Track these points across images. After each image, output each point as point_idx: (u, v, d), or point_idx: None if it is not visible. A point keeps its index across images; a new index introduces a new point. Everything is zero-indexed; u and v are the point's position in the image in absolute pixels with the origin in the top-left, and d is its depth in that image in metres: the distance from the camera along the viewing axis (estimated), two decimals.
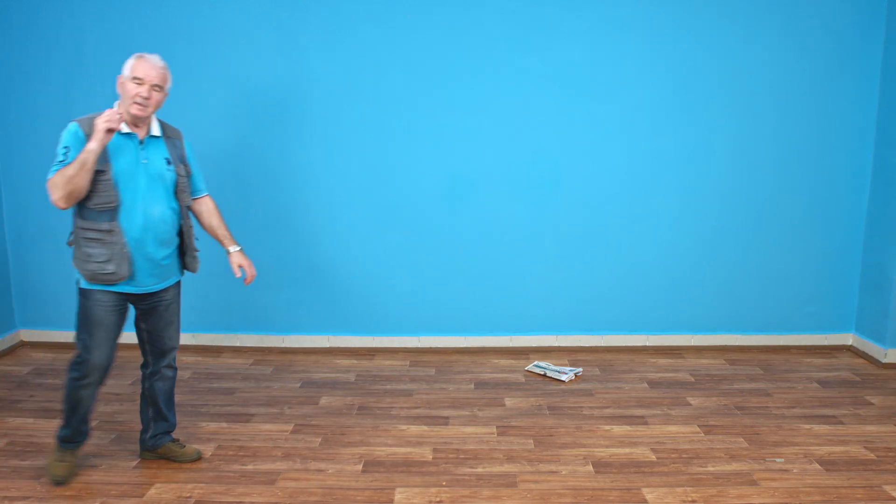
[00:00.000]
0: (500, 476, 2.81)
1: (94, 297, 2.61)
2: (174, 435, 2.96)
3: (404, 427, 3.25)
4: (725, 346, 4.40)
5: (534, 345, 4.38)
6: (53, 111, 4.07)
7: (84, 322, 2.63)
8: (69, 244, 2.69)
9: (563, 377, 3.82)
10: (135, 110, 2.55)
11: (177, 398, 3.52)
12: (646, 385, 3.79)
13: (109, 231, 2.54)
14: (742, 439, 3.14)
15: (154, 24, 3.98)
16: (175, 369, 2.91)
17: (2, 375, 3.84)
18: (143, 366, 2.88)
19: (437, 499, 2.64)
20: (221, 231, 2.93)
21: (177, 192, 2.70)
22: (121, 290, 2.63)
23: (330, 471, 2.84)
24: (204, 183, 2.90)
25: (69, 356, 2.75)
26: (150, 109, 2.58)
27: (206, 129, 4.08)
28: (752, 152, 4.21)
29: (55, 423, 3.21)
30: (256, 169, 4.15)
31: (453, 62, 4.04)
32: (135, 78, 2.54)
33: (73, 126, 2.55)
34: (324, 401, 3.55)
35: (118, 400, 3.52)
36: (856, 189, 4.25)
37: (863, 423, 3.32)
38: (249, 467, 2.86)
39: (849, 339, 4.44)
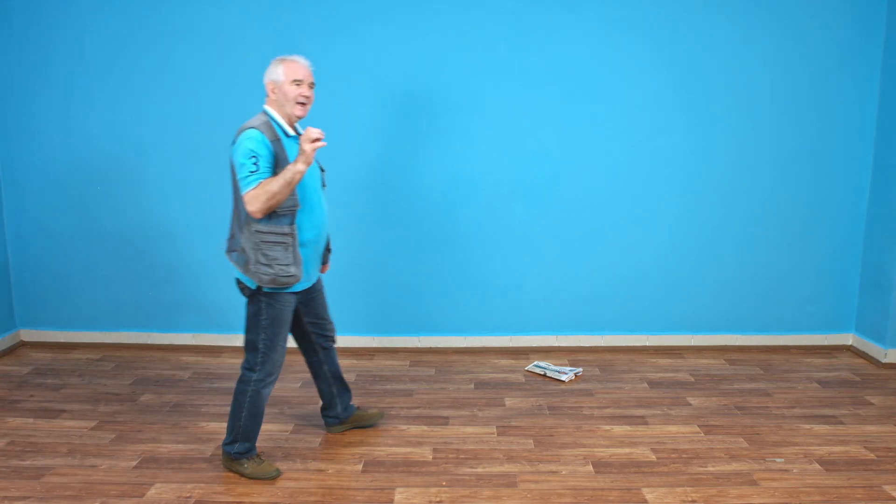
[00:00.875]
0: (500, 476, 2.81)
1: (281, 299, 2.69)
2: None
3: (404, 427, 3.25)
4: (725, 346, 4.40)
5: (534, 345, 4.38)
6: (53, 111, 4.08)
7: (269, 324, 2.69)
8: (230, 251, 2.71)
9: (563, 377, 3.82)
10: (299, 111, 2.63)
11: (177, 398, 3.54)
12: (646, 385, 3.79)
13: (290, 234, 2.60)
14: (742, 439, 3.14)
15: (154, 24, 3.99)
16: (335, 340, 3.08)
17: (2, 375, 3.84)
18: (312, 353, 3.03)
19: (437, 499, 2.64)
20: None
21: (323, 187, 2.83)
22: (296, 290, 2.74)
23: (330, 471, 2.84)
24: None
25: (245, 362, 2.75)
26: (309, 108, 2.66)
27: (206, 128, 4.09)
28: (753, 152, 4.21)
29: (55, 423, 3.22)
30: None
31: (453, 62, 4.04)
32: (294, 80, 2.60)
33: (255, 133, 2.55)
34: None
35: (118, 400, 3.52)
36: (856, 189, 4.25)
37: (863, 423, 3.32)
38: None
39: (849, 339, 4.44)
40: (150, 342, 4.34)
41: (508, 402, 3.55)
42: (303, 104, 2.63)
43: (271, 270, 2.58)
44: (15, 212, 4.22)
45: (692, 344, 4.41)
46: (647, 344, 4.40)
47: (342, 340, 4.35)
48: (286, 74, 2.60)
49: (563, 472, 2.84)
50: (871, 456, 2.98)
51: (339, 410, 3.15)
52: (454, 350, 4.31)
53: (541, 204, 4.21)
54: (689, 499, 2.64)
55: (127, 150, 4.12)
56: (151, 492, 2.66)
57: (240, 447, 2.78)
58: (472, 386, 3.77)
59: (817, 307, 4.40)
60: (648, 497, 2.65)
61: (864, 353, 4.28)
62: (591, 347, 4.39)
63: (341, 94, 4.07)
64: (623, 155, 4.17)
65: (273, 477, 2.77)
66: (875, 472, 2.84)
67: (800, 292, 4.37)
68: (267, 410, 3.40)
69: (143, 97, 4.06)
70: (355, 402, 3.44)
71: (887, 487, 2.72)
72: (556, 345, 4.40)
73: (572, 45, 4.06)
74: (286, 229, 2.59)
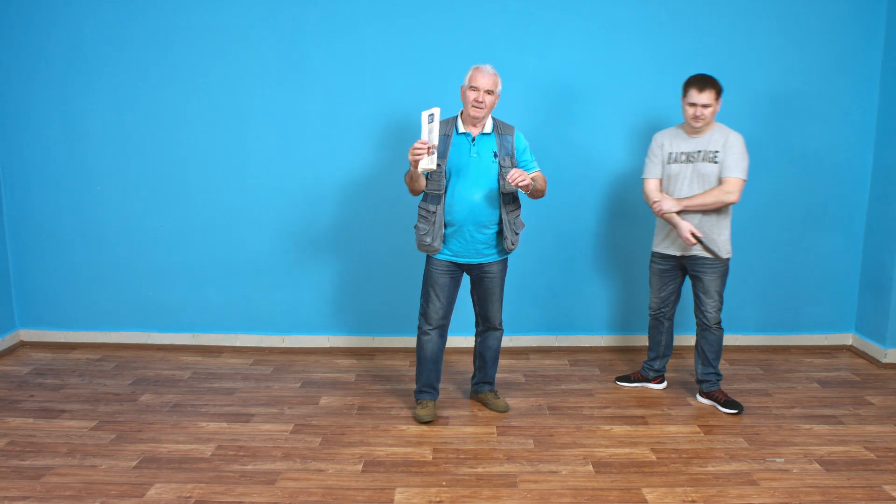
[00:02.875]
0: (500, 476, 2.81)
1: (431, 261, 3.23)
2: (496, 390, 3.53)
3: (404, 427, 3.26)
4: (725, 345, 4.40)
5: (534, 345, 4.38)
6: (53, 111, 4.08)
7: (425, 280, 3.27)
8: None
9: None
10: (473, 112, 3.06)
11: (177, 398, 3.55)
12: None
13: (434, 212, 3.11)
14: (742, 439, 3.14)
15: (154, 24, 3.98)
16: (500, 331, 3.42)
17: (2, 375, 3.84)
18: (476, 324, 3.45)
19: (437, 499, 2.64)
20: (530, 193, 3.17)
21: (499, 181, 3.11)
22: (446, 259, 3.19)
23: (330, 471, 2.84)
24: (534, 163, 3.27)
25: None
26: (485, 110, 3.06)
27: (206, 127, 4.09)
28: (752, 152, 4.17)
29: (55, 423, 3.23)
30: (254, 168, 4.15)
31: (453, 62, 4.04)
32: (472, 87, 3.05)
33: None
34: (324, 401, 3.55)
35: (118, 400, 3.52)
36: (856, 189, 4.25)
37: (863, 423, 3.32)
38: (249, 467, 2.86)
39: (849, 339, 4.44)
40: (150, 342, 4.34)
41: (508, 402, 3.55)
42: (475, 107, 3.05)
43: (417, 237, 3.18)
44: (15, 212, 4.22)
45: (692, 344, 4.41)
46: (647, 344, 4.40)
47: (342, 340, 4.36)
48: (469, 80, 3.08)
49: (563, 472, 2.84)
50: (871, 456, 2.98)
51: (473, 382, 3.55)
52: (454, 350, 4.30)
53: (540, 203, 4.20)
54: (689, 499, 2.64)
55: (127, 150, 4.12)
56: (151, 492, 2.66)
57: (417, 388, 3.39)
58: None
59: (817, 307, 4.40)
60: (648, 497, 2.65)
61: (864, 353, 4.28)
62: (590, 347, 4.39)
63: (341, 93, 4.07)
64: (623, 154, 4.17)
65: (421, 421, 3.26)
66: (875, 472, 2.84)
67: (800, 292, 4.37)
68: (266, 411, 3.41)
69: (142, 97, 4.06)
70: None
71: (887, 487, 2.72)
72: (556, 345, 4.40)
73: (573, 44, 4.06)
74: (432, 208, 3.12)
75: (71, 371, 3.91)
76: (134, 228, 4.20)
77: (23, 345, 4.34)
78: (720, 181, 3.28)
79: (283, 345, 4.35)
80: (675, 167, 3.36)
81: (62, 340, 4.35)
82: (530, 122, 4.12)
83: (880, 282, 4.14)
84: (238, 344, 4.34)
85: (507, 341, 4.36)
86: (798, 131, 4.18)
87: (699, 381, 3.55)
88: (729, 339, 4.41)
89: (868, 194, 4.26)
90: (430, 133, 2.91)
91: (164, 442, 3.06)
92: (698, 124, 3.27)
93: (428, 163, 2.89)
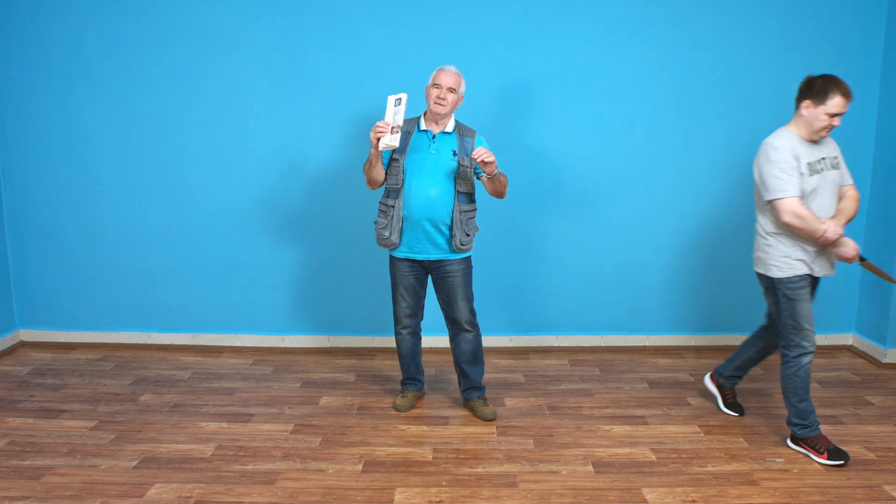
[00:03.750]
0: (500, 476, 2.81)
1: (393, 262, 3.30)
2: (482, 393, 3.46)
3: (404, 427, 3.26)
4: (725, 346, 4.40)
5: (534, 345, 4.38)
6: (53, 111, 4.08)
7: (391, 278, 3.34)
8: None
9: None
10: (435, 108, 3.12)
11: (177, 398, 3.55)
12: (646, 385, 3.79)
13: (392, 206, 3.16)
14: (742, 439, 3.14)
15: (153, 23, 3.98)
16: (472, 332, 3.34)
17: (2, 375, 3.84)
18: (448, 329, 3.41)
19: (437, 499, 2.64)
20: (489, 184, 3.19)
21: (456, 179, 3.16)
22: (404, 256, 3.23)
23: (330, 471, 2.84)
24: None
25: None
26: (447, 108, 3.11)
27: (206, 127, 4.09)
28: (753, 152, 4.18)
29: (55, 423, 3.23)
30: (254, 168, 4.15)
31: (453, 62, 4.03)
32: (435, 84, 3.11)
33: None
34: (324, 401, 3.55)
35: (118, 400, 3.52)
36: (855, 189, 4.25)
37: (863, 423, 3.32)
38: (249, 467, 2.86)
39: (849, 339, 4.44)
40: (150, 342, 4.34)
41: (508, 402, 3.55)
42: (438, 104, 3.10)
43: (376, 231, 3.21)
44: (15, 212, 4.22)
45: (692, 344, 4.41)
46: (647, 344, 4.41)
47: (342, 340, 4.36)
48: (432, 79, 3.14)
49: (563, 472, 2.84)
50: (871, 456, 2.98)
51: (460, 389, 3.50)
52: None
53: (540, 203, 4.20)
54: (689, 499, 2.64)
55: (127, 150, 4.12)
56: (151, 492, 2.66)
57: (401, 379, 3.54)
58: None
59: (817, 307, 4.37)
60: (648, 497, 2.65)
61: (864, 353, 4.28)
62: (591, 347, 4.39)
63: (341, 93, 4.07)
64: (623, 154, 4.17)
65: (397, 409, 3.42)
66: (875, 472, 2.84)
67: None
68: (266, 411, 3.41)
69: (142, 97, 4.06)
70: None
71: (887, 487, 2.72)
72: (556, 345, 4.40)
73: (572, 45, 4.06)
74: (390, 202, 3.17)
75: (71, 371, 3.91)
76: (134, 228, 4.20)
77: (23, 345, 4.34)
78: (841, 189, 2.98)
79: (283, 345, 4.35)
80: (814, 179, 2.87)
81: (62, 340, 4.35)
82: (530, 121, 4.12)
83: (880, 282, 4.14)
84: (238, 344, 4.34)
85: (507, 341, 4.37)
86: None
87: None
88: (729, 339, 4.41)
89: (868, 194, 4.25)
90: (395, 115, 2.98)
91: (164, 442, 3.07)
92: (826, 133, 2.90)
93: (390, 139, 2.96)
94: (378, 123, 2.96)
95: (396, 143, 2.99)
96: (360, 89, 4.07)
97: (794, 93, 4.37)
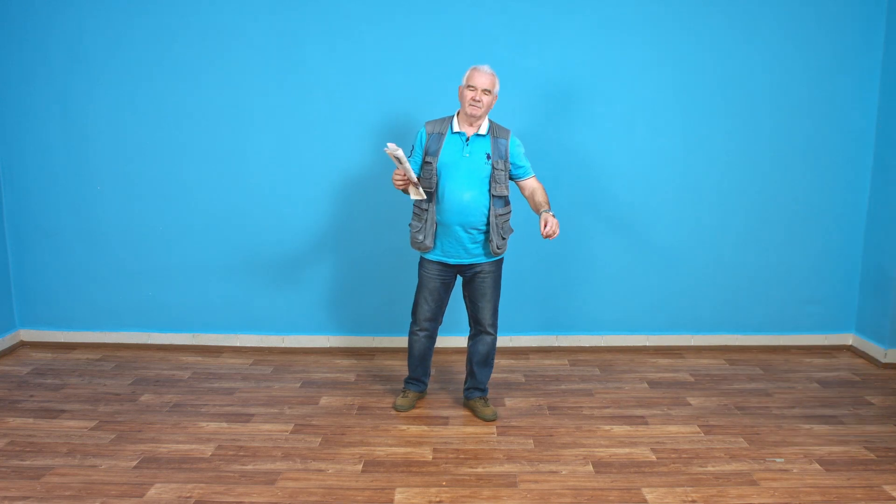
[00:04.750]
0: (500, 476, 2.81)
1: (423, 263, 3.26)
2: (487, 397, 3.47)
3: (404, 427, 3.26)
4: (725, 346, 4.40)
5: (534, 345, 4.38)
6: (53, 111, 4.08)
7: (418, 281, 3.31)
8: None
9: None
10: (470, 110, 3.07)
11: (177, 398, 3.55)
12: (646, 385, 3.79)
13: (426, 210, 3.15)
14: (742, 439, 3.14)
15: (154, 24, 3.98)
16: (492, 336, 3.33)
17: (2, 375, 3.84)
18: (469, 327, 3.39)
19: (437, 499, 2.64)
20: (538, 200, 3.20)
21: (491, 182, 3.12)
22: (436, 259, 3.20)
23: (330, 471, 2.84)
24: (529, 169, 3.26)
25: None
26: (482, 109, 3.07)
27: (206, 127, 4.09)
28: (753, 152, 4.21)
29: (55, 423, 3.23)
30: (254, 168, 4.15)
31: (453, 62, 4.04)
32: (469, 86, 3.07)
33: (421, 128, 3.21)
34: (324, 401, 3.55)
35: (118, 400, 3.52)
36: (856, 189, 4.25)
37: (863, 423, 3.32)
38: (249, 467, 2.86)
39: (849, 339, 4.44)
40: (150, 342, 4.34)
41: (508, 402, 3.55)
42: (473, 105, 3.06)
43: (411, 234, 3.21)
44: (15, 212, 4.22)
45: (692, 344, 4.42)
46: (647, 344, 4.41)
47: (342, 340, 4.36)
48: (466, 80, 3.10)
49: (563, 472, 2.84)
50: (871, 456, 2.98)
51: (464, 387, 3.48)
52: (454, 350, 4.31)
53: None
54: (689, 499, 2.64)
55: (127, 150, 4.12)
56: (151, 492, 2.66)
57: (406, 378, 3.52)
58: None
59: (817, 307, 4.40)
60: (648, 497, 2.65)
61: (864, 353, 4.28)
62: (591, 347, 4.39)
63: (341, 93, 4.07)
64: (622, 154, 4.17)
65: (397, 409, 3.41)
66: (875, 472, 2.84)
67: (800, 292, 4.37)
68: (266, 411, 3.41)
69: (142, 97, 4.06)
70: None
71: (887, 487, 2.72)
72: (556, 345, 4.40)
73: (572, 45, 4.06)
74: (423, 205, 3.16)
75: (71, 371, 3.91)
76: (134, 228, 4.20)
77: (23, 345, 4.34)
78: None
79: (283, 345, 4.35)
80: None
81: (62, 340, 4.35)
82: (529, 122, 4.12)
83: (880, 282, 4.14)
84: (238, 344, 4.34)
85: (507, 341, 4.36)
86: (798, 131, 4.18)
87: None
88: (729, 339, 4.41)
89: (868, 194, 4.26)
90: (404, 166, 2.97)
91: (164, 442, 3.07)
92: None
93: (415, 194, 3.08)
94: (396, 175, 3.04)
95: (423, 196, 3.09)
96: (359, 89, 4.07)
97: (794, 91, 4.37)
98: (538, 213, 3.12)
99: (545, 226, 2.98)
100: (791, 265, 4.33)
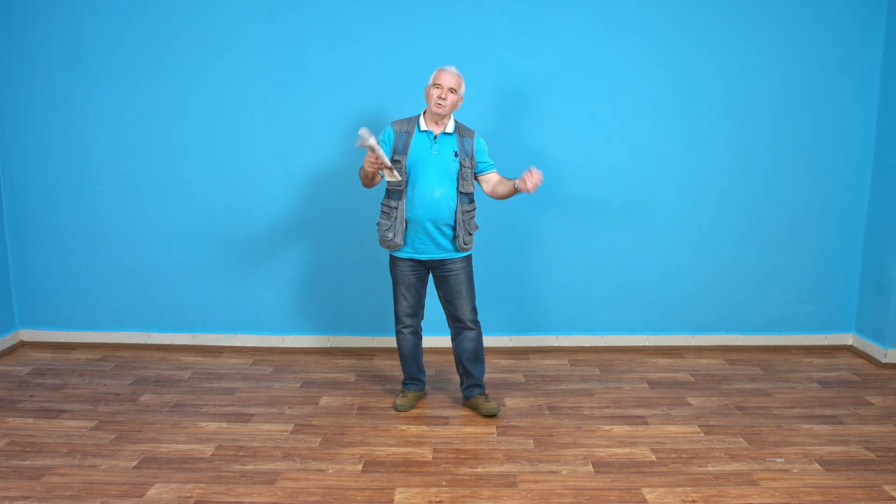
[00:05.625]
0: (500, 476, 2.81)
1: (395, 260, 3.29)
2: (485, 391, 3.48)
3: (404, 427, 3.26)
4: (725, 346, 4.40)
5: (534, 345, 4.38)
6: (53, 111, 4.08)
7: (392, 279, 3.35)
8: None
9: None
10: (435, 108, 3.13)
11: (177, 398, 3.55)
12: (646, 385, 3.79)
13: (396, 207, 3.17)
14: (742, 439, 3.14)
15: (154, 24, 3.98)
16: (475, 331, 3.35)
17: (2, 375, 3.84)
18: (449, 327, 3.42)
19: (437, 499, 2.64)
20: (502, 179, 3.31)
21: (459, 179, 3.19)
22: (407, 256, 3.23)
23: (330, 471, 2.84)
24: (491, 163, 3.33)
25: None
26: (447, 108, 3.13)
27: (206, 127, 4.09)
28: (753, 152, 4.21)
29: (55, 423, 3.23)
30: (255, 169, 4.15)
31: (453, 62, 4.03)
32: (435, 84, 3.13)
33: (388, 127, 3.27)
34: (324, 401, 3.55)
35: (118, 400, 3.52)
36: (856, 189, 4.25)
37: (863, 423, 3.32)
38: (249, 467, 2.86)
39: (849, 339, 4.44)
40: (150, 342, 4.34)
41: (508, 402, 3.55)
42: (438, 104, 3.11)
43: (379, 233, 3.23)
44: (15, 212, 4.22)
45: (692, 344, 4.42)
46: (647, 344, 4.41)
47: (342, 340, 4.36)
48: (432, 79, 3.15)
49: (563, 472, 2.84)
50: (871, 456, 2.98)
51: (461, 388, 3.48)
52: (452, 350, 4.29)
53: (539, 203, 4.20)
54: (689, 499, 2.64)
55: (127, 150, 4.12)
56: (151, 492, 2.66)
57: (403, 379, 3.56)
58: None
59: (817, 307, 4.40)
60: (648, 497, 2.65)
61: (864, 353, 4.28)
62: (591, 347, 4.39)
63: (341, 93, 4.07)
64: (622, 154, 4.17)
65: (397, 409, 3.42)
66: (875, 472, 2.84)
67: (800, 292, 4.37)
68: (266, 411, 3.41)
69: (142, 97, 4.06)
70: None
71: (887, 487, 2.72)
72: (556, 345, 4.40)
73: (572, 45, 4.06)
74: (393, 203, 3.19)
75: (71, 371, 3.91)
76: (134, 228, 4.20)
77: (23, 345, 4.34)
78: None
79: (283, 345, 4.35)
80: None
81: (62, 340, 4.35)
82: (529, 121, 4.12)
83: (880, 282, 4.14)
84: (238, 344, 4.34)
85: (507, 341, 4.36)
86: (798, 131, 4.18)
87: None
88: (729, 339, 4.41)
89: (868, 194, 4.26)
90: (377, 152, 2.98)
91: (164, 442, 3.07)
92: None
93: (390, 175, 3.09)
94: (369, 157, 3.02)
95: (398, 177, 3.10)
96: (359, 89, 4.07)
97: (794, 91, 4.37)
98: (512, 185, 3.18)
99: (531, 175, 3.04)
100: (791, 265, 4.33)
